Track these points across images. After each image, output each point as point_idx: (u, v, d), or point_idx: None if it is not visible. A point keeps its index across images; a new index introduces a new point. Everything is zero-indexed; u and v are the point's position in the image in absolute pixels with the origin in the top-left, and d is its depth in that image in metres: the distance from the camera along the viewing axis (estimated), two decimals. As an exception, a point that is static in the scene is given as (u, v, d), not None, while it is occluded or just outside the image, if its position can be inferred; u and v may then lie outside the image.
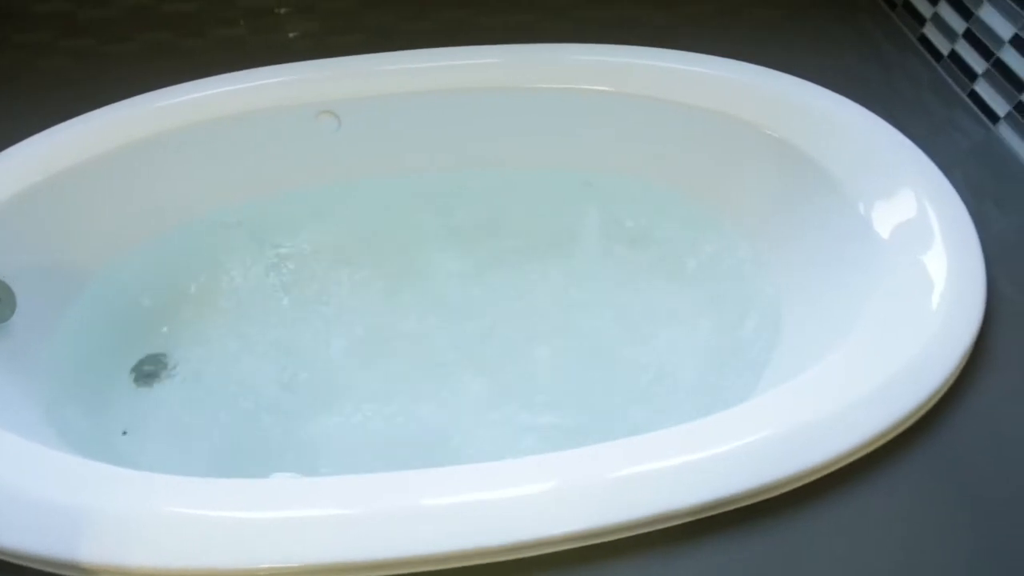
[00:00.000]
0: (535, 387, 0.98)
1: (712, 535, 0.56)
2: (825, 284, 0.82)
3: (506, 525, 0.55)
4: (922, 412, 0.62)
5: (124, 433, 0.91)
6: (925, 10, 1.02)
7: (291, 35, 1.05)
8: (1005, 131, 0.88)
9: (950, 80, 0.97)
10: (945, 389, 0.64)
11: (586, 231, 1.10)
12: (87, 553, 0.53)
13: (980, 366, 0.66)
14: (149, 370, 0.98)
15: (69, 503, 0.56)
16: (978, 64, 0.92)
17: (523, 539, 0.54)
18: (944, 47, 0.98)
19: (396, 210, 1.11)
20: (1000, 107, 0.88)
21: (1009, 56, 0.87)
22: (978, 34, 0.92)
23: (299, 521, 0.55)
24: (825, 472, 0.59)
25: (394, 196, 1.10)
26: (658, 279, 1.06)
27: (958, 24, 0.95)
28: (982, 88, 0.92)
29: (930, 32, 1.01)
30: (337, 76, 0.98)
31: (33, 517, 0.56)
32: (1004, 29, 0.87)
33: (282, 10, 1.07)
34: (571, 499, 0.56)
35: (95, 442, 0.85)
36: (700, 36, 1.01)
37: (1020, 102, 0.85)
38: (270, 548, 0.54)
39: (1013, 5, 0.85)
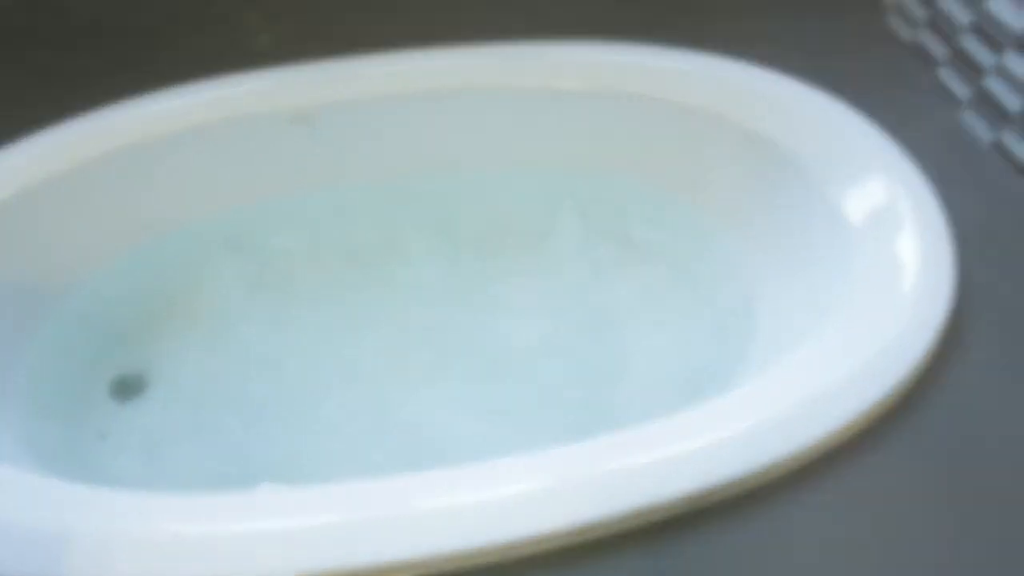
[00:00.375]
0: (521, 388, 0.98)
1: (696, 528, 0.56)
2: (799, 273, 0.83)
3: (497, 525, 0.55)
4: (898, 396, 0.63)
5: (102, 437, 0.89)
6: (888, -1, 1.04)
7: (261, 42, 1.04)
8: (969, 116, 0.90)
9: (914, 67, 0.99)
10: (920, 372, 0.65)
11: (568, 230, 1.10)
12: (68, 576, 0.53)
13: (953, 348, 0.67)
14: (128, 386, 0.97)
15: (48, 526, 0.55)
16: (941, 51, 0.94)
17: (514, 538, 0.54)
18: (908, 34, 1.00)
19: (379, 214, 1.11)
20: (963, 93, 0.90)
21: (969, 43, 0.88)
22: (939, 21, 0.94)
23: (287, 531, 0.55)
24: (807, 459, 0.59)
25: (377, 200, 1.09)
26: (636, 272, 1.07)
27: (921, 12, 0.97)
28: (945, 74, 0.93)
29: (894, 20, 1.03)
30: (313, 82, 0.97)
31: (9, 542, 0.55)
32: (963, 16, 0.89)
33: (251, 18, 1.06)
34: (557, 496, 0.56)
35: (74, 462, 0.83)
36: (660, 27, 1.02)
37: (981, 87, 0.87)
38: (259, 560, 0.53)
39: (972, -8, 0.87)
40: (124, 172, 0.92)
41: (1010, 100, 0.82)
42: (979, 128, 0.88)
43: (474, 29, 1.04)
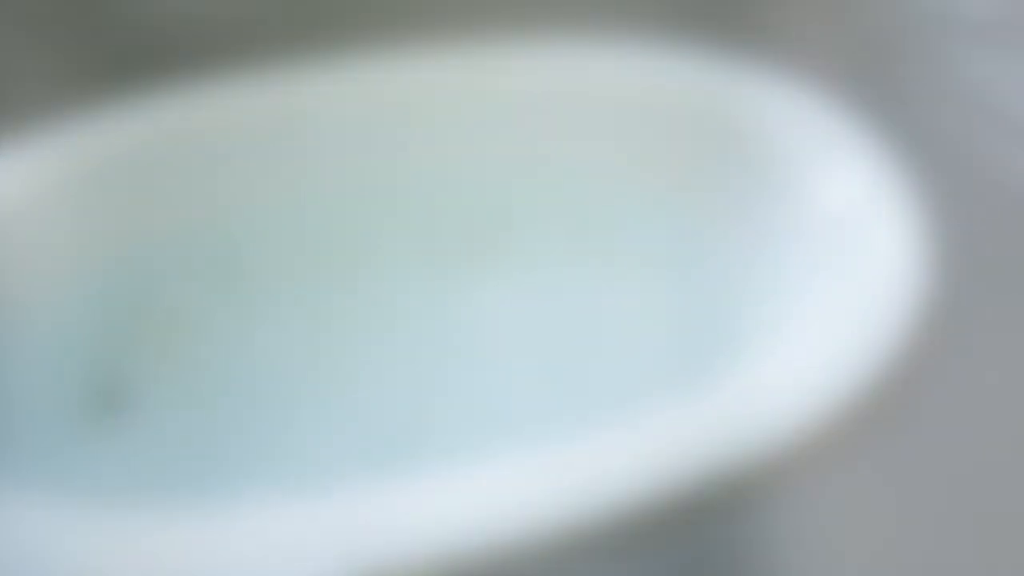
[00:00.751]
0: (511, 388, 0.98)
1: (688, 527, 0.57)
2: (784, 270, 0.84)
3: (492, 525, 0.55)
4: (881, 393, 0.64)
5: (86, 452, 0.88)
6: (863, -8, 1.05)
7: (238, 47, 1.04)
8: (947, 107, 0.91)
9: (893, 57, 1.00)
10: (901, 368, 0.65)
11: (552, 232, 1.11)
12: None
13: (933, 345, 0.68)
14: (108, 401, 0.96)
15: (35, 544, 0.55)
16: (917, 43, 0.95)
17: (509, 538, 0.54)
18: (883, 27, 1.02)
19: (368, 220, 1.10)
20: (941, 86, 0.92)
21: (945, 35, 0.90)
22: (914, 13, 0.95)
23: (284, 537, 0.55)
24: (794, 455, 0.60)
25: (366, 205, 1.09)
26: (622, 272, 1.08)
27: (896, 4, 0.99)
28: (922, 67, 0.95)
29: (868, 12, 1.04)
30: (302, 83, 0.97)
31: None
32: (939, 7, 0.91)
33: (229, 22, 1.06)
34: (548, 496, 0.57)
35: (59, 478, 0.83)
36: (646, 27, 1.03)
37: (958, 80, 0.89)
38: (258, 568, 0.53)
39: (946, -15, 0.89)
40: (101, 183, 0.92)
41: (987, 93, 0.84)
42: (956, 122, 0.89)
43: (471, 28, 1.04)
